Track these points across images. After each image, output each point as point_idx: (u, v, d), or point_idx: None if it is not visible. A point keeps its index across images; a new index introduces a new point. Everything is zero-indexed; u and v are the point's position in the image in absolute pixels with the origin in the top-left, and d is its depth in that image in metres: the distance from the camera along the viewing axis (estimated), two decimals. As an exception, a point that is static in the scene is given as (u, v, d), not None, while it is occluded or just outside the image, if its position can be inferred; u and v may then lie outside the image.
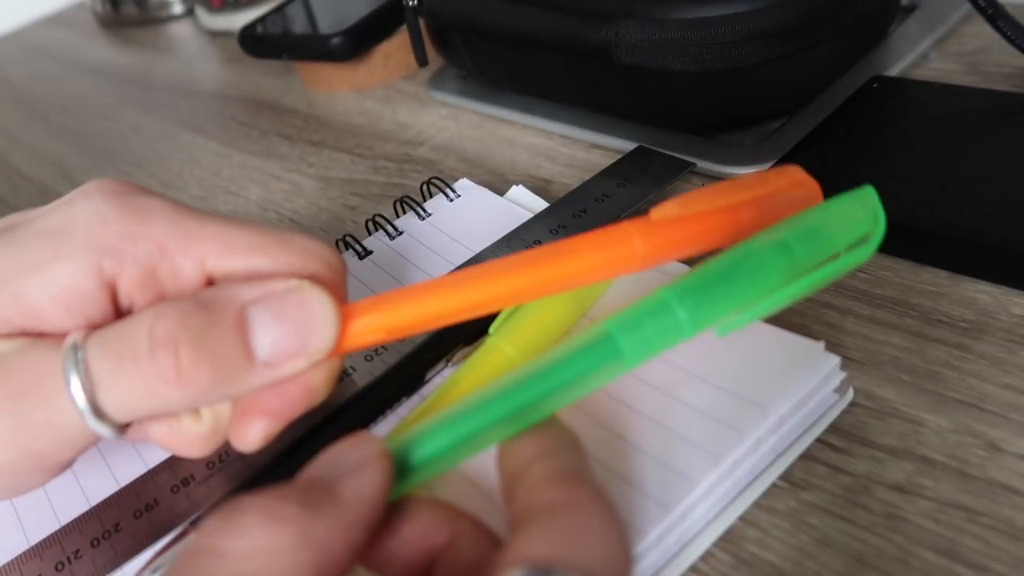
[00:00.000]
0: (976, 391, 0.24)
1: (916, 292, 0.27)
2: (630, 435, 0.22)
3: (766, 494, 0.22)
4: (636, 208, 0.32)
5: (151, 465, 0.25)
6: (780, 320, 0.25)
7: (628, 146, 0.37)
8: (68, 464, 0.21)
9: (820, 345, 0.23)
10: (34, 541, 0.24)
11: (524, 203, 0.34)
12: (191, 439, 0.21)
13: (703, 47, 0.32)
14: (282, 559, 0.15)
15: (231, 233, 0.21)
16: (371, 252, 0.33)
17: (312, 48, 0.49)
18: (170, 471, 0.25)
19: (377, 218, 0.34)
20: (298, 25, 0.52)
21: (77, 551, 0.23)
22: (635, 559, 0.19)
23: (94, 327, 0.20)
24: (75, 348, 0.19)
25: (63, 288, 0.19)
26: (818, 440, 0.23)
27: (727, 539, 0.21)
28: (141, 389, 0.18)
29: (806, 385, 0.22)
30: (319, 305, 0.20)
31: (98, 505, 0.25)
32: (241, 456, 0.25)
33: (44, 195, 0.51)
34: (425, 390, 0.26)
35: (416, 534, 0.18)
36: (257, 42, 0.52)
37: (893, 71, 0.38)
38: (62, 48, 0.79)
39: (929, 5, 0.42)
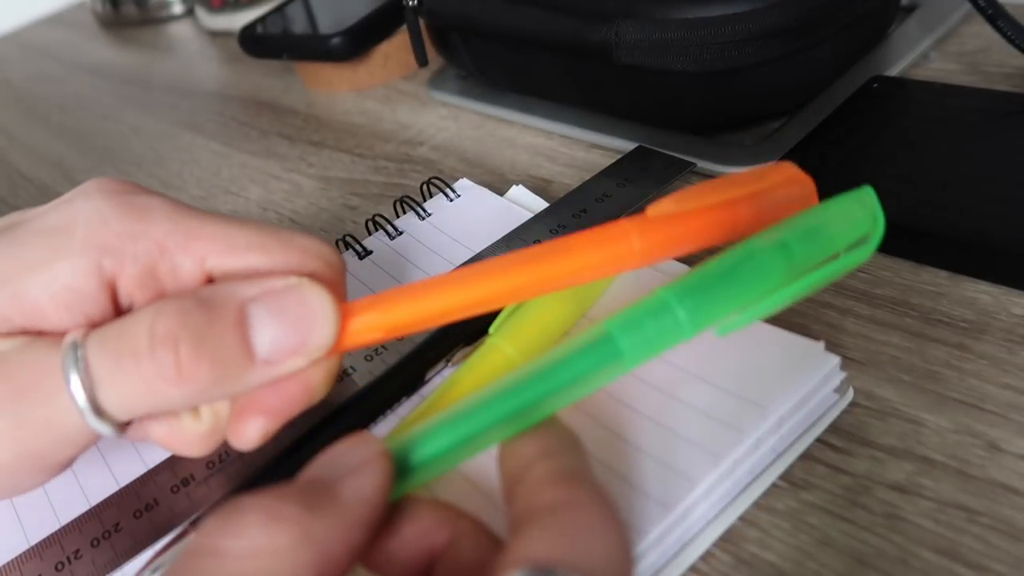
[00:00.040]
0: (976, 391, 0.24)
1: (916, 292, 0.27)
2: (630, 435, 0.22)
3: (766, 494, 0.22)
4: (636, 208, 0.32)
5: (151, 465, 0.25)
6: (780, 320, 0.25)
7: (628, 146, 0.37)
8: (68, 463, 0.21)
9: (820, 345, 0.23)
10: (34, 541, 0.24)
11: (524, 203, 0.34)
12: (191, 438, 0.21)
13: (703, 47, 0.32)
14: (282, 559, 0.15)
15: (231, 232, 0.21)
16: (371, 252, 0.33)
17: (312, 48, 0.49)
18: (170, 471, 0.25)
19: (377, 218, 0.34)
20: (298, 25, 0.52)
21: (77, 551, 0.23)
22: (636, 559, 0.19)
23: (94, 326, 0.20)
24: (75, 346, 0.19)
25: (63, 287, 0.19)
26: (818, 440, 0.23)
27: (727, 539, 0.21)
28: (141, 387, 0.18)
29: (806, 385, 0.22)
30: (319, 303, 0.20)
31: (98, 505, 0.24)
32: (241, 456, 0.25)
33: (44, 195, 0.51)
34: (425, 390, 0.26)
35: (416, 534, 0.18)
36: (257, 42, 0.52)
37: (893, 71, 0.38)
38: (62, 48, 0.79)
39: (929, 5, 0.42)
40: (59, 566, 0.23)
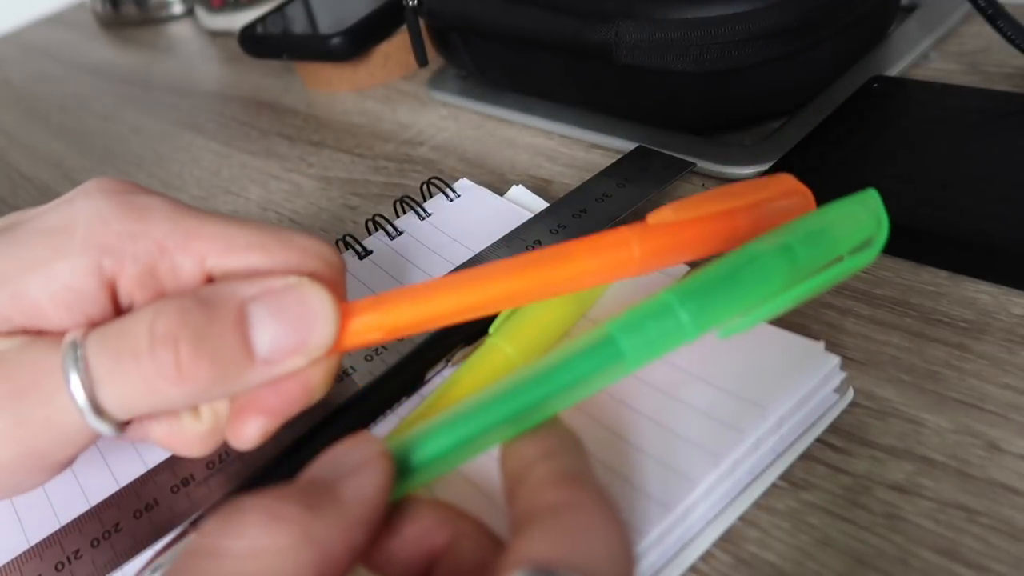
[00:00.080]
0: (976, 391, 0.24)
1: (916, 292, 0.27)
2: (631, 436, 0.22)
3: (766, 494, 0.22)
4: (636, 208, 0.32)
5: (151, 465, 0.25)
6: (780, 320, 0.25)
7: (628, 146, 0.37)
8: (68, 463, 0.21)
9: (820, 345, 0.23)
10: (34, 541, 0.24)
11: (524, 203, 0.34)
12: (191, 438, 0.21)
13: (703, 47, 0.32)
14: (283, 559, 0.15)
15: (231, 231, 0.21)
16: (371, 252, 0.33)
17: (312, 48, 0.49)
18: (170, 471, 0.25)
19: (377, 218, 0.34)
20: (298, 25, 0.52)
21: (77, 551, 0.23)
22: (637, 559, 0.19)
23: (94, 325, 0.20)
24: (74, 346, 0.19)
25: (63, 286, 0.19)
26: (818, 440, 0.23)
27: (727, 539, 0.21)
28: (141, 386, 0.18)
29: (806, 385, 0.22)
30: (318, 302, 0.20)
31: (98, 505, 0.24)
32: (241, 456, 0.25)
33: (44, 195, 0.51)
34: (425, 390, 0.26)
35: (417, 534, 0.18)
36: (257, 42, 0.52)
37: (893, 71, 0.38)
38: (62, 48, 0.79)
39: (929, 5, 0.42)
40: (59, 566, 0.23)
